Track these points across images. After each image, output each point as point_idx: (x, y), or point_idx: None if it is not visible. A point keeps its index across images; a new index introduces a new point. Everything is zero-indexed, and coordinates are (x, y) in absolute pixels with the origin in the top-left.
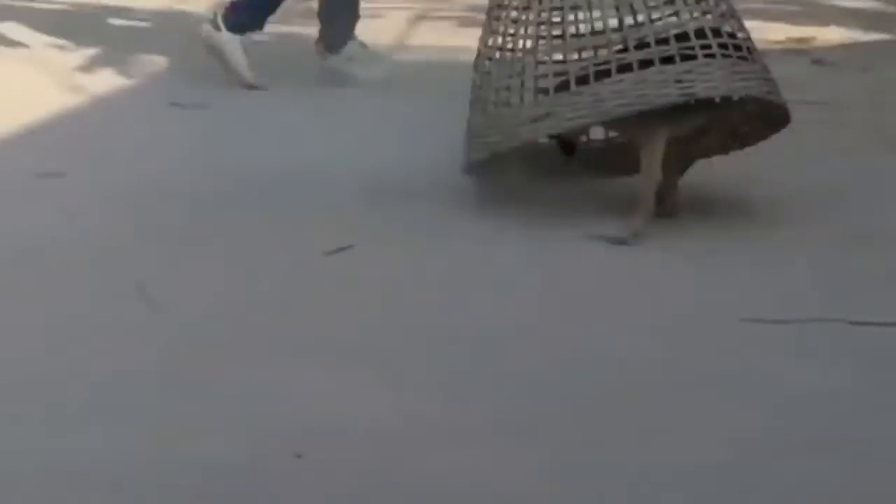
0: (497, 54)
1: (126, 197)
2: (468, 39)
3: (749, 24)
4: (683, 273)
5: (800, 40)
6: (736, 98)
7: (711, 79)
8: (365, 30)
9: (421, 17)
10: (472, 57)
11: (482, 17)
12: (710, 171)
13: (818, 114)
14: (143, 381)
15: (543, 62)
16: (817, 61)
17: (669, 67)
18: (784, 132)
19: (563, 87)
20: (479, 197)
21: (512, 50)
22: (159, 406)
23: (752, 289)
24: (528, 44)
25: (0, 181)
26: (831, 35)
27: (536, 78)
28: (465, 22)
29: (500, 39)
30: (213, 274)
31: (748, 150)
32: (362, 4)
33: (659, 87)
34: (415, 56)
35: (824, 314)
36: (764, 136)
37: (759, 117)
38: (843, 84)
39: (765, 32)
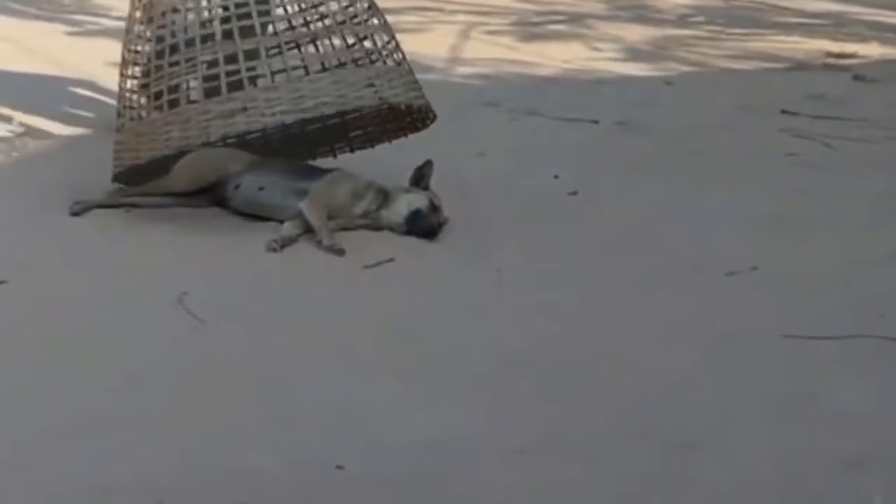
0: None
1: None
2: (518, 53)
3: (789, 39)
4: (727, 291)
5: (840, 56)
6: (415, 107)
7: (395, 85)
8: (416, 43)
9: (469, 31)
10: (524, 69)
11: (529, 30)
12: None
13: (860, 130)
14: (186, 392)
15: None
16: (859, 77)
17: (362, 70)
18: (825, 149)
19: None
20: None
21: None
22: (203, 416)
23: (795, 305)
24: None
25: None
26: (872, 51)
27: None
28: (513, 35)
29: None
30: (256, 288)
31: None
32: (410, 18)
33: (355, 88)
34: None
35: (866, 331)
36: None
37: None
38: (886, 100)
39: (805, 48)
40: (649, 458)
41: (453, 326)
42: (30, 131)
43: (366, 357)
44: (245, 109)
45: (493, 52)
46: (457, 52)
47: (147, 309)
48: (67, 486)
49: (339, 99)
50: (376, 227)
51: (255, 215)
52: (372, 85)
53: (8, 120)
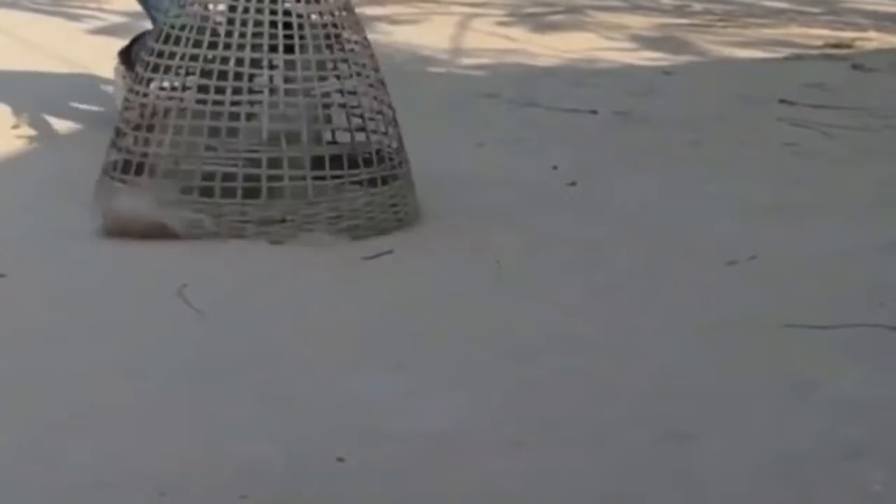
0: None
1: None
2: (516, 43)
3: (787, 28)
4: (727, 280)
5: (838, 45)
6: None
7: (408, 202)
8: (413, 35)
9: (467, 22)
10: (523, 60)
11: (528, 20)
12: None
13: (858, 118)
14: (186, 383)
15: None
16: (857, 67)
17: (388, 188)
18: (824, 138)
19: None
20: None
21: None
22: (203, 408)
23: (795, 294)
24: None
25: None
26: (870, 40)
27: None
28: (511, 25)
29: None
30: (255, 279)
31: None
32: (407, 9)
33: (381, 210)
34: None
35: (866, 320)
36: None
37: None
38: (884, 88)
39: (802, 37)
40: (649, 447)
41: (453, 317)
42: (27, 124)
43: (366, 348)
44: (284, 221)
45: (491, 42)
46: (455, 44)
47: (146, 301)
48: (67, 479)
49: (368, 222)
50: None
51: None
52: (395, 205)
53: (6, 113)
